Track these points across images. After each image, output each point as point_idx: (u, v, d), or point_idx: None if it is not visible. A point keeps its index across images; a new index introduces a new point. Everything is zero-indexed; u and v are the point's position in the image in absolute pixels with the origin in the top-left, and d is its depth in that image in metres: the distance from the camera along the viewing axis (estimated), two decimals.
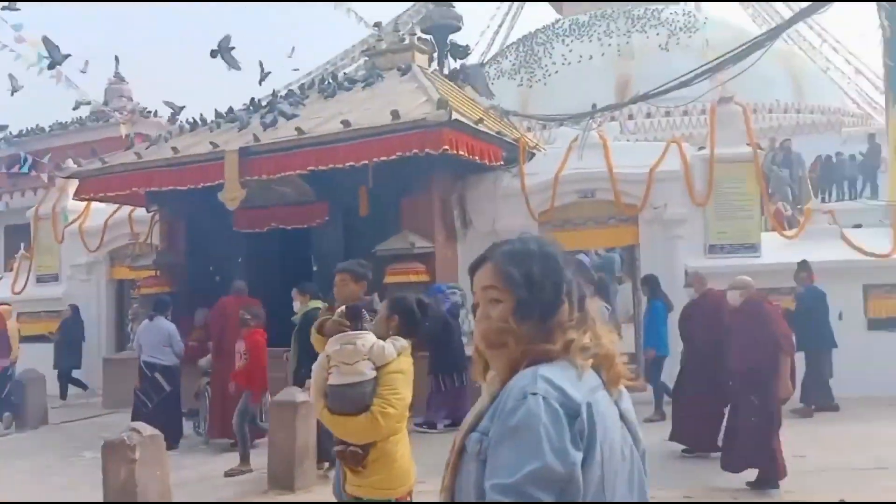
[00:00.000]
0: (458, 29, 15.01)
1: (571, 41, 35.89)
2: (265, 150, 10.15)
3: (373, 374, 3.45)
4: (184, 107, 14.36)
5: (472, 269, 1.69)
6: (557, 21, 41.43)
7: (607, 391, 1.54)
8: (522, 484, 1.36)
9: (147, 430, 5.52)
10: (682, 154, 10.33)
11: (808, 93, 34.63)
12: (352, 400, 3.42)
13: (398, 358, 3.52)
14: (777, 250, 10.16)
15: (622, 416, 1.56)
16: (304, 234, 10.98)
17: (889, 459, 6.79)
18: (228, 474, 7.18)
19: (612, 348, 1.58)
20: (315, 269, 10.84)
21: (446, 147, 9.11)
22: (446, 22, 14.80)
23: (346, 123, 9.63)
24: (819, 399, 9.14)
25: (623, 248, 15.04)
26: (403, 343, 3.57)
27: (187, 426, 9.02)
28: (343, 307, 3.82)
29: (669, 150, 10.45)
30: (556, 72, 33.94)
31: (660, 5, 38.90)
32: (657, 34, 34.48)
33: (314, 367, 3.68)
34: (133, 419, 7.58)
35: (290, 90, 12.35)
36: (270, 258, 11.55)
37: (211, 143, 10.57)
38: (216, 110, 12.43)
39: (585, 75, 32.40)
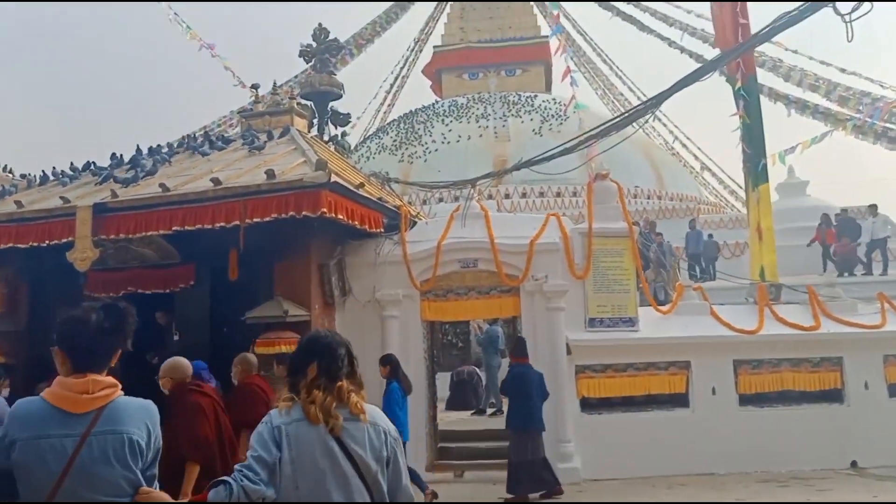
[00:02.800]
0: (339, 97, 14.81)
1: (451, 121, 36.89)
2: (124, 207, 9.28)
3: None
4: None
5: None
6: (437, 102, 42.62)
7: (309, 422, 2.67)
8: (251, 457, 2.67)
9: None
10: (562, 227, 10.39)
11: (667, 181, 37.05)
12: None
13: None
14: (653, 325, 10.29)
15: (341, 443, 2.68)
16: (166, 299, 10.06)
17: None
18: None
19: (323, 404, 2.70)
20: (176, 337, 9.91)
21: (324, 210, 8.64)
22: (327, 89, 14.57)
23: (215, 181, 9.00)
24: (530, 484, 8.57)
25: (505, 321, 14.96)
26: None
27: None
28: None
29: (549, 222, 10.49)
30: (436, 150, 34.62)
31: (532, 93, 40.85)
32: (531, 119, 36.13)
33: None
34: None
35: (156, 146, 11.54)
36: None
37: (62, 197, 9.59)
38: (72, 164, 11.42)
39: (464, 154, 33.21)
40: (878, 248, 20.00)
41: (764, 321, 10.36)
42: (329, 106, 14.68)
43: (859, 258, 20.11)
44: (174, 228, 9.02)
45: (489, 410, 13.68)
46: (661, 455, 9.73)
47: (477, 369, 15.14)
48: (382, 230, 10.13)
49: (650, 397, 10.09)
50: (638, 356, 10.01)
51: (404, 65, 47.32)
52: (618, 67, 46.24)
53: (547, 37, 46.48)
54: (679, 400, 10.11)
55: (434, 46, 46.38)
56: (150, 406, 2.70)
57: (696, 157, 42.54)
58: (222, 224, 8.87)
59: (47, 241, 9.35)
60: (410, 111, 41.56)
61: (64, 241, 9.32)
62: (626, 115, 8.64)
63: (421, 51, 47.28)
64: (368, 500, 2.66)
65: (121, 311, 2.72)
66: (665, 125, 42.25)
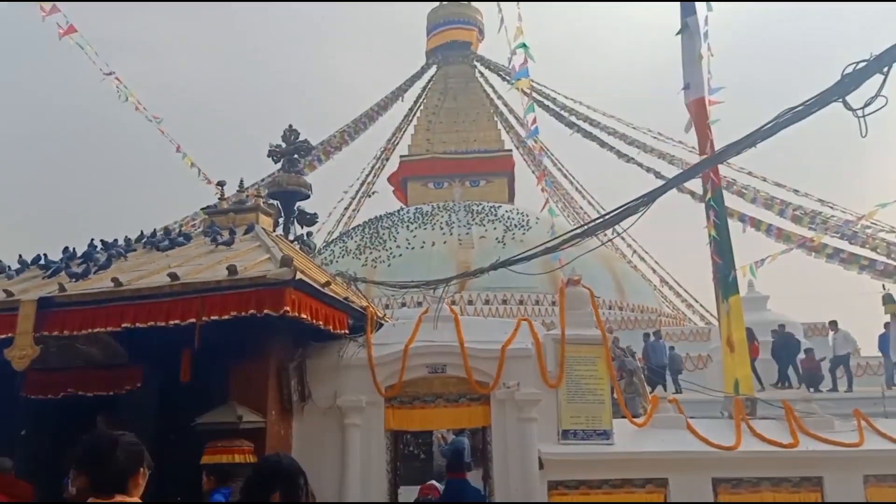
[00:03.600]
0: (307, 196, 14.64)
1: (415, 228, 37.12)
2: (71, 302, 8.69)
3: None
4: None
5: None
6: (402, 209, 43.04)
7: None
8: None
9: None
10: (534, 333, 10.05)
11: (629, 293, 37.35)
12: None
13: None
14: (628, 438, 9.82)
15: None
16: (110, 402, 9.30)
17: None
18: None
19: None
20: None
21: (287, 309, 8.19)
22: (295, 188, 14.40)
23: (173, 276, 8.52)
24: None
25: (472, 432, 14.28)
26: None
27: None
28: None
29: (520, 327, 10.15)
30: (400, 255, 34.60)
31: (496, 203, 41.49)
32: (494, 228, 36.52)
33: None
34: None
35: (112, 241, 11.07)
36: (65, 431, 9.64)
37: (4, 290, 8.97)
38: (20, 256, 10.84)
39: (427, 260, 33.19)
40: (842, 363, 20.03)
41: (742, 437, 9.97)
42: (296, 206, 14.47)
43: (822, 375, 20.07)
44: (124, 326, 8.44)
45: None
46: None
47: (437, 484, 14.30)
48: (347, 331, 9.66)
49: None
50: (614, 472, 9.47)
51: (370, 172, 48.03)
52: (578, 182, 47.52)
53: (510, 150, 47.85)
54: None
55: (401, 156, 47.37)
56: None
57: (655, 272, 43.29)
58: (177, 322, 8.33)
59: None
60: (375, 217, 41.81)
61: (2, 337, 8.65)
62: (605, 217, 8.59)
63: (388, 159, 48.24)
64: None
65: (135, 444, 3.19)
66: (624, 239, 43.23)
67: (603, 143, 38.48)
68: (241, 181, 13.68)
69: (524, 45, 16.54)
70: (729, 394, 11.01)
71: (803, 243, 27.19)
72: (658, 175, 32.59)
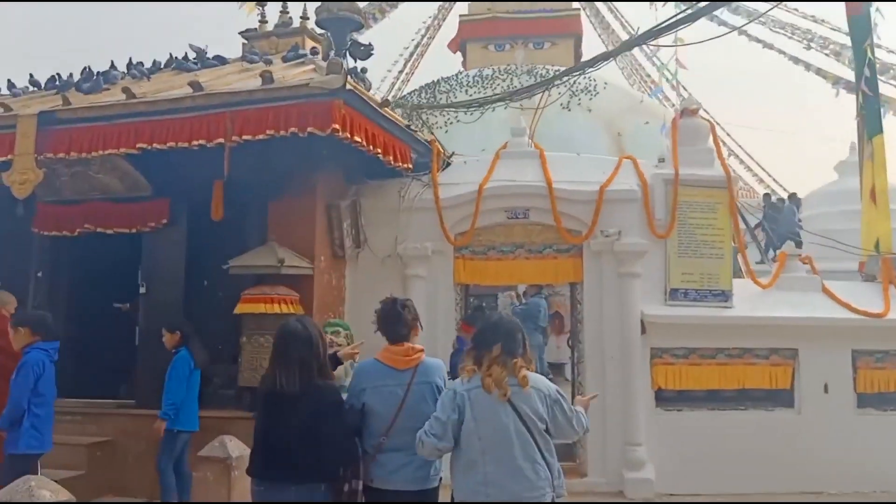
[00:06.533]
0: (361, 26, 12.57)
1: (475, 92, 34.59)
2: (77, 119, 7.10)
3: None
4: None
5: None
6: (461, 72, 40.32)
7: (484, 388, 3.36)
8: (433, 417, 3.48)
9: None
10: (640, 172, 8.18)
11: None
12: None
13: None
14: (750, 301, 8.08)
15: (512, 405, 3.34)
16: (133, 241, 7.93)
17: None
18: None
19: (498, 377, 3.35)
20: (142, 289, 7.80)
21: (336, 127, 6.44)
22: (347, 15, 12.31)
23: (195, 86, 6.82)
24: None
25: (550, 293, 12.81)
26: None
27: None
28: None
29: (622, 166, 8.29)
30: (458, 119, 32.41)
31: (561, 67, 38.43)
32: (559, 93, 33.75)
33: None
34: None
35: (137, 62, 9.39)
36: (84, 273, 8.40)
37: (1, 105, 7.44)
38: (31, 75, 9.27)
39: (487, 125, 30.94)
40: None
41: (890, 303, 8.13)
42: (349, 36, 12.46)
43: None
44: (139, 146, 6.85)
45: None
46: (756, 466, 7.55)
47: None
48: (410, 167, 7.95)
49: (744, 392, 7.89)
50: (732, 339, 7.81)
51: (426, 33, 45.07)
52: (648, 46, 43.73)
53: (578, 10, 44.05)
54: (781, 398, 7.90)
55: (460, 16, 44.06)
56: (441, 364, 4.00)
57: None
58: (202, 142, 6.70)
59: None
60: (433, 81, 39.28)
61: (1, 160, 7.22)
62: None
63: (444, 19, 45.08)
64: (536, 449, 3.35)
65: (403, 303, 4.05)
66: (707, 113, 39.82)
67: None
68: (285, 4, 11.68)
69: None
70: (870, 252, 9.05)
71: None
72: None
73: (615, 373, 7.69)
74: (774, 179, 38.45)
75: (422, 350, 3.84)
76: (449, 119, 36.97)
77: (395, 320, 3.90)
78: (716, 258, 7.94)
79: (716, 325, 7.78)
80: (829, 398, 7.81)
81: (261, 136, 6.63)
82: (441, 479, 3.79)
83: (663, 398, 7.83)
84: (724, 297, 7.89)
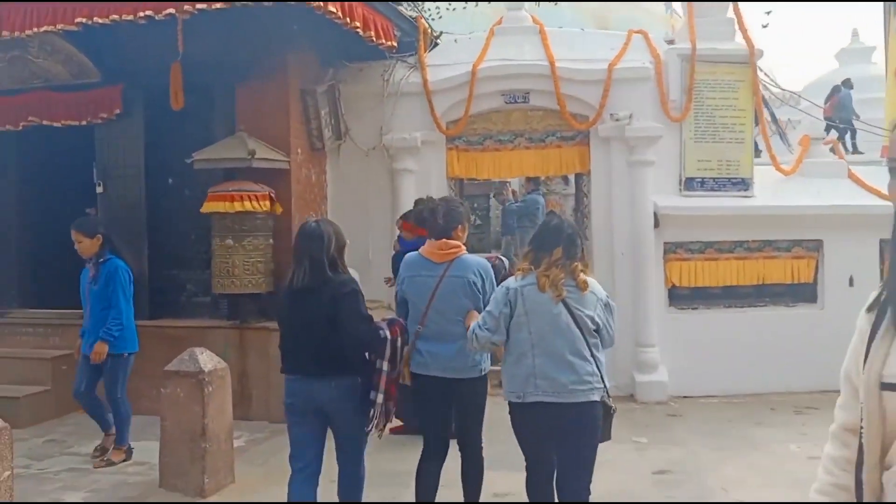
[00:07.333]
0: None
1: None
2: None
3: None
4: None
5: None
6: None
7: (538, 287, 3.37)
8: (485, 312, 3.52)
9: None
10: (652, 48, 7.30)
11: None
12: None
13: None
14: (771, 189, 7.39)
15: (567, 305, 3.35)
16: (85, 135, 7.05)
17: None
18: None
19: (555, 279, 3.37)
20: (99, 189, 6.99)
21: None
22: None
23: None
24: None
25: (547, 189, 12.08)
26: None
27: None
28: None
29: (632, 42, 7.39)
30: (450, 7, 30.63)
31: None
32: None
33: None
34: None
35: None
36: (34, 173, 7.56)
37: None
38: None
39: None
40: None
41: None
42: None
43: None
44: (77, 21, 5.89)
45: None
46: (775, 365, 7.05)
47: (504, 260, 12.08)
48: (394, 45, 7.01)
49: (763, 288, 7.31)
50: (751, 231, 7.15)
51: None
52: None
53: None
54: (804, 292, 7.34)
55: None
56: (484, 262, 4.02)
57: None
58: (149, 13, 5.73)
59: None
60: None
61: None
62: None
63: None
64: (585, 346, 3.38)
65: (456, 202, 4.28)
66: None
67: None
68: None
69: None
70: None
71: None
72: None
73: (626, 271, 7.06)
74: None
75: (458, 246, 3.91)
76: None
77: (433, 218, 4.06)
78: (736, 143, 7.17)
79: (735, 216, 7.10)
80: (854, 292, 7.20)
81: (218, 5, 5.69)
82: (483, 370, 3.87)
83: (677, 296, 7.24)
84: (745, 185, 7.18)
